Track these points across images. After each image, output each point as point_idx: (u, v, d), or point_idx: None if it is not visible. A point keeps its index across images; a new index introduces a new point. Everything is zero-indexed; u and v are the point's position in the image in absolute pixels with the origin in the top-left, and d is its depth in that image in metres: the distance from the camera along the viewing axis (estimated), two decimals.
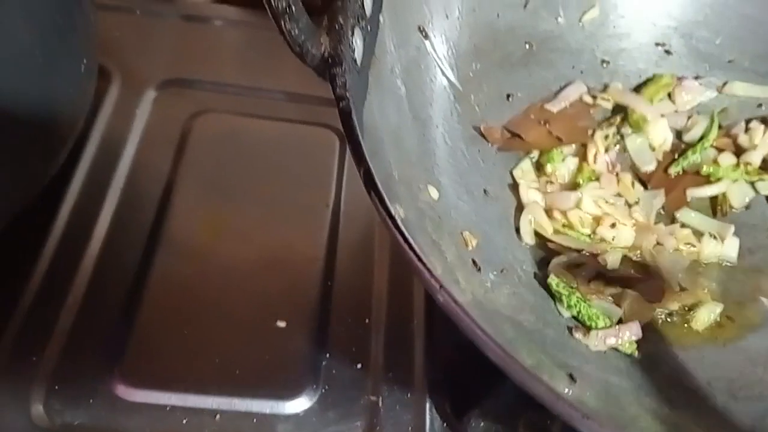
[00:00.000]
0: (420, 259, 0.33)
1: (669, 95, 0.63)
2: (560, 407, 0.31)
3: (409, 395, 0.51)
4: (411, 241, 0.34)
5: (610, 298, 0.50)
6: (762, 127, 0.60)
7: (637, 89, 0.63)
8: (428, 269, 0.33)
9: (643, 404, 0.46)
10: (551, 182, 0.57)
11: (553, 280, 0.50)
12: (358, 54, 0.42)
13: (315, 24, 0.40)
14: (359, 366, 0.52)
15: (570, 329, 0.49)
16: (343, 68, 0.38)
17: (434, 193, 0.50)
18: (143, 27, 0.73)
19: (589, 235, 0.54)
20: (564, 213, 0.54)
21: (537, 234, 0.54)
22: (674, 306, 0.51)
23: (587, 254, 0.53)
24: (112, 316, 0.52)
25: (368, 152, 0.38)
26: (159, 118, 0.64)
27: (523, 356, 0.41)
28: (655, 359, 0.49)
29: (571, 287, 0.49)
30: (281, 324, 0.52)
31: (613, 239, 0.54)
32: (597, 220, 0.55)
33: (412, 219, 0.42)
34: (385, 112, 0.47)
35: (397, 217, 0.34)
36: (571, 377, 0.44)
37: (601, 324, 0.49)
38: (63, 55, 0.47)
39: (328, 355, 0.52)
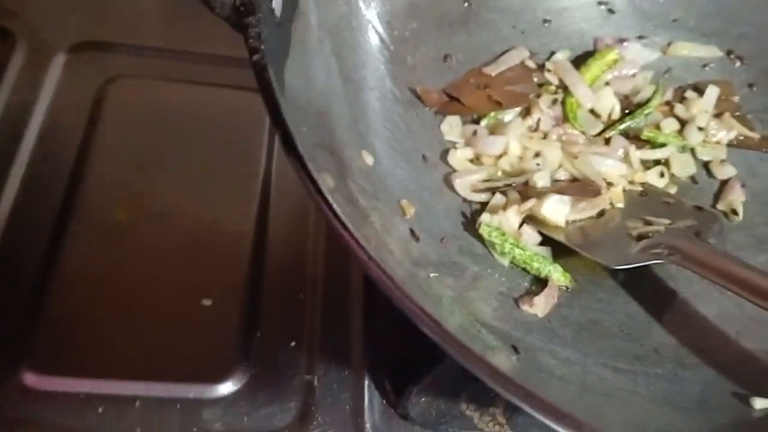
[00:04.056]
0: (347, 229, 0.30)
1: None
2: (501, 383, 0.28)
3: (346, 373, 0.48)
4: (336, 209, 0.30)
5: (539, 236, 0.49)
6: (696, 97, 0.59)
7: (583, 59, 0.60)
8: (356, 239, 0.30)
9: (590, 374, 0.44)
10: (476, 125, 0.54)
11: (484, 230, 0.48)
12: (277, 4, 0.38)
13: None
14: (293, 344, 0.49)
15: (516, 300, 0.47)
16: (257, 18, 0.35)
17: (368, 159, 0.46)
18: None
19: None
20: (494, 158, 0.53)
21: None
22: (606, 204, 0.51)
23: (516, 185, 0.51)
24: (21, 299, 0.48)
25: (292, 116, 0.35)
26: (70, 83, 0.59)
27: (462, 329, 0.39)
28: (601, 328, 0.48)
29: (503, 234, 0.48)
30: (207, 302, 0.49)
31: (537, 165, 0.52)
32: (521, 158, 0.53)
33: (344, 192, 0.39)
34: (311, 72, 0.43)
35: (322, 185, 0.31)
36: (515, 349, 0.42)
37: (536, 265, 0.48)
38: None
39: (258, 333, 0.49)
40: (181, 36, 0.65)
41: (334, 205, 0.31)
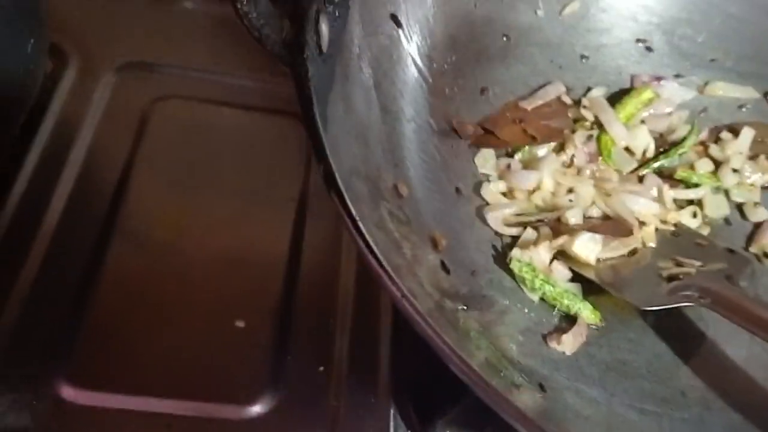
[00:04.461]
0: (382, 266, 0.31)
1: None
2: (525, 425, 0.29)
3: (372, 400, 0.49)
4: (373, 246, 0.31)
5: (569, 273, 0.50)
6: (731, 138, 0.59)
7: (619, 96, 0.60)
8: (390, 277, 0.31)
9: (615, 415, 0.44)
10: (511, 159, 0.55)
11: (515, 265, 0.48)
12: (324, 41, 0.39)
13: (278, 8, 0.37)
14: (321, 369, 0.49)
15: (544, 336, 0.47)
16: (305, 55, 0.36)
17: (403, 189, 0.47)
18: (109, 7, 0.69)
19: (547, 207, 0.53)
20: (527, 193, 0.53)
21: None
22: (638, 243, 0.51)
23: (548, 221, 0.51)
24: (60, 313, 0.49)
25: (331, 146, 0.36)
26: (118, 102, 0.61)
27: (488, 364, 0.39)
28: (629, 368, 0.48)
29: (533, 270, 0.48)
30: (240, 324, 0.49)
31: (570, 201, 0.53)
32: (554, 193, 0.54)
33: (375, 218, 0.40)
34: (352, 104, 0.44)
35: (358, 219, 0.32)
36: (542, 387, 0.42)
37: (566, 303, 0.48)
38: (7, 35, 0.44)
39: (289, 357, 0.49)
40: (228, 60, 0.66)
41: (371, 242, 0.32)
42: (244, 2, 0.34)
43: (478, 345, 0.42)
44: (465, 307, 0.45)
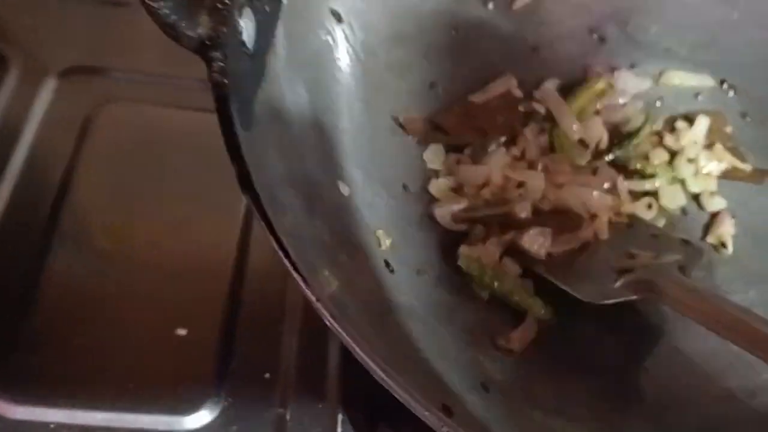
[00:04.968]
0: (297, 269, 0.30)
1: None
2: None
3: (320, 407, 0.47)
4: (287, 247, 0.30)
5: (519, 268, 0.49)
6: (686, 127, 0.57)
7: (572, 88, 0.59)
8: (304, 278, 0.29)
9: (564, 414, 0.43)
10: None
11: (463, 262, 0.47)
12: (248, 37, 0.38)
13: (194, 2, 0.36)
14: (267, 376, 0.48)
15: (492, 334, 0.46)
16: (223, 52, 0.35)
17: (345, 189, 0.46)
18: (54, 11, 0.67)
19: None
20: (476, 188, 0.52)
21: None
22: (590, 236, 0.50)
23: (497, 216, 0.50)
24: None
25: (255, 150, 0.35)
26: (60, 106, 0.59)
27: (427, 372, 0.38)
28: (581, 364, 0.47)
29: (482, 266, 0.47)
30: (181, 332, 0.48)
31: (520, 196, 0.51)
32: (504, 188, 0.52)
33: (307, 226, 0.38)
34: (286, 102, 0.43)
35: (274, 223, 0.31)
36: (484, 387, 0.41)
37: (516, 299, 0.47)
38: None
39: (233, 364, 0.48)
40: (178, 62, 0.63)
41: (285, 242, 0.30)
42: None
43: (420, 350, 0.41)
44: (409, 308, 0.43)
